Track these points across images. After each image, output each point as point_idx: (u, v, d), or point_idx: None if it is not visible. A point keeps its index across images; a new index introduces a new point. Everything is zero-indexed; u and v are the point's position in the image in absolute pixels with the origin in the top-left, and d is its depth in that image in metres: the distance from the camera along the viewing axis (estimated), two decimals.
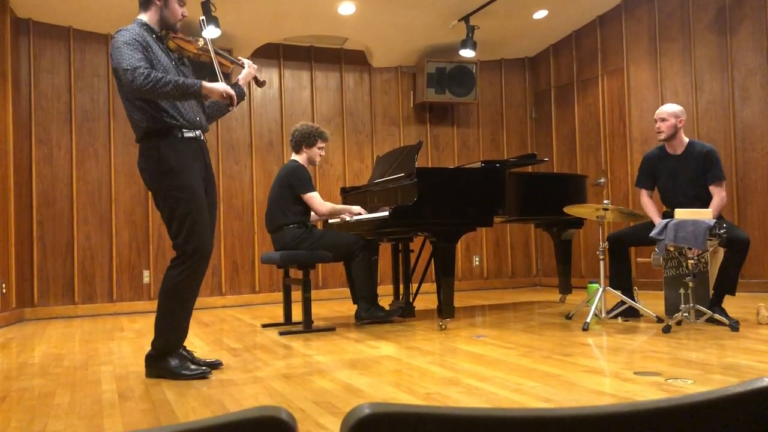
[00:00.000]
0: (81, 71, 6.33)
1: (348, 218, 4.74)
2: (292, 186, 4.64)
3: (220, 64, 3.34)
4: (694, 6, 6.53)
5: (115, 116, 6.35)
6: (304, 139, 4.79)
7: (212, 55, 3.28)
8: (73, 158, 6.23)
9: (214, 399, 2.69)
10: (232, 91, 3.10)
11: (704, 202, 4.36)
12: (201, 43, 3.31)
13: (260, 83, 3.56)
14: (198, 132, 3.19)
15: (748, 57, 6.20)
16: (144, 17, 3.17)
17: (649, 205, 4.60)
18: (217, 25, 5.85)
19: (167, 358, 3.10)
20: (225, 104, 3.21)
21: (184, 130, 3.11)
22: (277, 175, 4.89)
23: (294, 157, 4.85)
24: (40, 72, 6.16)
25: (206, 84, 3.05)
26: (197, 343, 4.23)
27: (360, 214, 4.70)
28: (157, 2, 3.15)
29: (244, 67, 3.48)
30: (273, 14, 6.40)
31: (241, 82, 3.47)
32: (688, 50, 6.56)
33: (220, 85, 3.09)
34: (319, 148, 4.83)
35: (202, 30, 3.59)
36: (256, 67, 3.54)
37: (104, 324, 5.53)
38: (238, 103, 3.41)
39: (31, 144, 6.08)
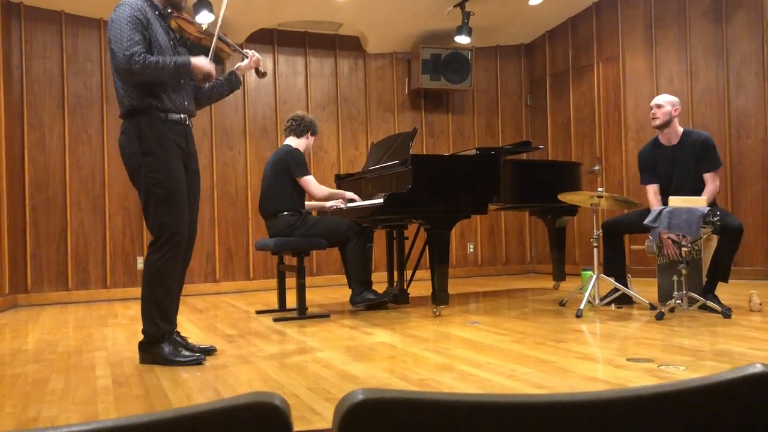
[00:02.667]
0: (73, 56, 6.27)
1: (342, 205, 4.74)
2: (288, 170, 4.61)
3: (220, 49, 3.30)
4: None
5: (108, 101, 6.30)
6: (311, 127, 4.84)
7: (214, 39, 3.24)
8: (66, 144, 6.19)
9: (209, 385, 2.70)
10: (212, 72, 3.15)
11: (700, 190, 4.36)
12: (205, 26, 3.27)
13: (260, 74, 3.51)
14: (183, 116, 3.17)
15: (743, 45, 6.19)
16: None
17: (653, 198, 4.56)
18: (211, 9, 5.80)
19: (160, 345, 3.10)
20: (218, 87, 3.37)
21: (169, 113, 3.10)
22: (269, 160, 4.87)
23: (290, 141, 4.82)
24: (31, 57, 6.11)
25: (193, 61, 3.08)
26: (191, 329, 4.23)
27: (353, 200, 4.72)
28: None
29: (246, 57, 3.45)
30: None
31: (239, 71, 3.45)
32: (684, 38, 6.55)
33: (206, 65, 3.11)
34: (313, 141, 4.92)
35: (195, 14, 3.56)
36: (259, 58, 3.48)
37: (98, 310, 5.52)
38: (232, 91, 3.43)
39: (23, 129, 6.03)
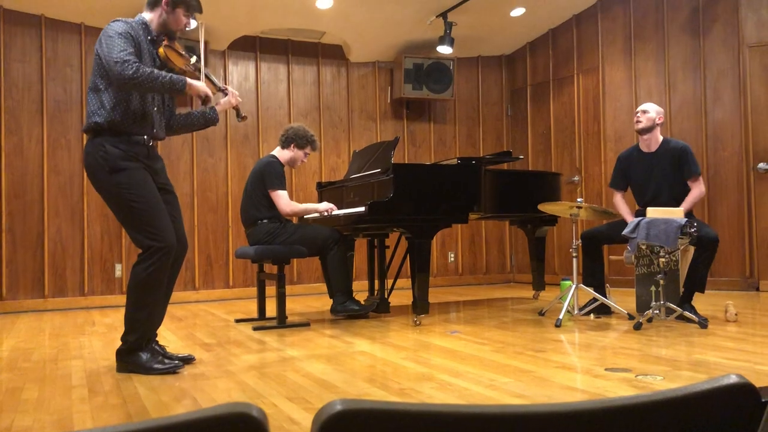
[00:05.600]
0: (53, 60, 6.21)
1: (319, 215, 4.73)
2: (265, 180, 4.62)
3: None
4: (668, 6, 6.61)
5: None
6: (298, 138, 4.78)
7: (202, 76, 3.25)
8: (45, 149, 6.12)
9: (186, 394, 2.67)
10: (210, 93, 3.16)
11: (677, 198, 4.44)
12: (193, 60, 3.28)
13: (241, 117, 3.52)
14: (146, 137, 3.15)
15: (720, 59, 6.30)
16: (147, 16, 3.18)
17: (621, 204, 4.67)
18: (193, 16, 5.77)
19: (138, 353, 3.07)
20: (193, 118, 3.41)
21: (132, 136, 3.08)
22: (252, 168, 4.87)
23: (275, 152, 4.83)
24: (10, 61, 6.03)
25: (190, 81, 3.08)
26: (170, 337, 4.19)
27: (329, 210, 4.68)
28: (165, 7, 3.14)
29: (226, 94, 3.46)
30: (250, 6, 6.35)
31: (218, 108, 3.46)
32: (662, 50, 6.64)
33: (202, 85, 3.13)
34: (306, 154, 4.85)
35: None
36: (239, 98, 3.50)
37: (75, 318, 5.45)
38: (208, 126, 3.47)
39: (0, 134, 5.95)
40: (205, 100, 3.17)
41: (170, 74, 3.02)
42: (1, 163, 5.95)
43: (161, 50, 3.18)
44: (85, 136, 3.62)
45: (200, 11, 3.32)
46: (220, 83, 3.46)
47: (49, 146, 6.15)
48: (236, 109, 3.49)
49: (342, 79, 7.50)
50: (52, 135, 6.17)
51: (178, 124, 3.43)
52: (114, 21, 3.04)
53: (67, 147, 6.23)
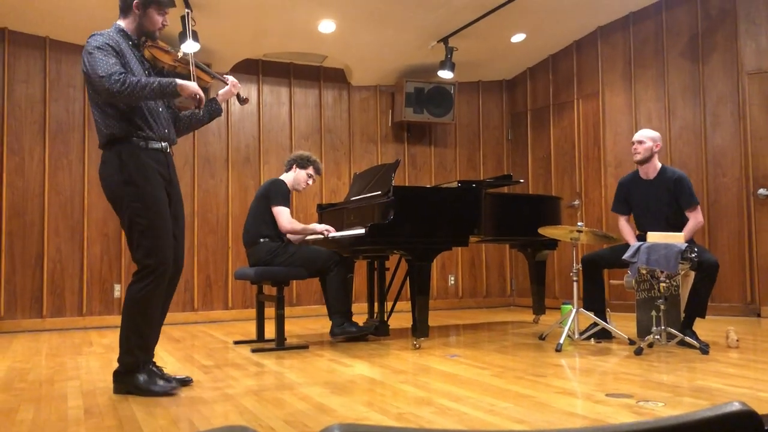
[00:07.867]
0: (56, 81, 6.25)
1: (322, 235, 4.74)
2: (269, 197, 4.66)
3: (198, 78, 3.31)
4: (668, 33, 6.67)
5: (90, 127, 6.27)
6: (299, 160, 4.90)
7: (191, 67, 3.24)
8: (46, 169, 6.14)
9: (183, 417, 2.64)
10: (201, 93, 3.06)
11: (675, 226, 4.43)
12: (180, 54, 3.26)
13: (242, 100, 3.50)
14: (164, 144, 3.16)
15: (719, 85, 6.34)
16: (122, 23, 3.15)
17: (625, 228, 4.66)
18: (196, 39, 5.82)
19: (135, 374, 3.04)
20: (197, 114, 3.34)
21: (150, 141, 3.08)
22: (258, 189, 4.93)
23: (282, 176, 4.90)
24: (14, 81, 6.08)
25: (180, 82, 3.02)
26: (167, 359, 4.16)
27: (327, 231, 4.70)
28: (136, 11, 3.11)
29: (226, 84, 3.46)
30: (253, 30, 6.40)
31: (219, 98, 3.46)
32: (662, 76, 6.69)
33: (193, 85, 3.07)
34: (308, 176, 4.92)
35: (180, 44, 3.57)
36: (238, 84, 3.48)
37: (73, 338, 5.42)
38: (213, 118, 3.42)
39: (2, 154, 5.97)
40: (199, 102, 3.07)
41: (158, 79, 2.97)
42: (2, 182, 5.96)
43: (146, 52, 3.16)
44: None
45: (173, 5, 3.27)
46: (214, 73, 3.42)
47: (51, 166, 6.17)
48: (237, 94, 3.47)
49: (343, 102, 7.55)
50: (54, 155, 6.19)
51: (184, 123, 3.41)
52: (91, 36, 3.02)
53: (68, 167, 6.25)
